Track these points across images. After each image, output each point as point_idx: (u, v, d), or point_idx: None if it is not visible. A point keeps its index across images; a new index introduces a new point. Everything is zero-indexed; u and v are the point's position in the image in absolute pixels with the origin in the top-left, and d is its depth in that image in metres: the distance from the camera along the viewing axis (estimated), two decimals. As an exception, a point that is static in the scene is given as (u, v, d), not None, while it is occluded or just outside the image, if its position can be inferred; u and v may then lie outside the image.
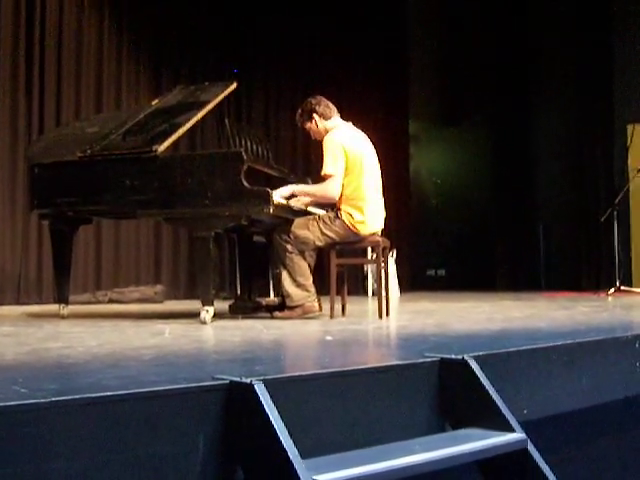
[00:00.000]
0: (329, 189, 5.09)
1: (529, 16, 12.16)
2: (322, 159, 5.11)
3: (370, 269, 10.00)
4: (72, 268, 5.58)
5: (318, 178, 5.22)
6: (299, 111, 5.38)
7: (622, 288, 8.92)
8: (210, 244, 4.69)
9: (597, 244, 11.12)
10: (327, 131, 5.22)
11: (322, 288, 5.33)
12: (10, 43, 7.81)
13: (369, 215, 5.12)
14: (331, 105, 5.31)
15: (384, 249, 5.26)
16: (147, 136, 5.08)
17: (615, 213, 9.19)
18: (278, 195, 4.95)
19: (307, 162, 10.69)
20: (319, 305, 5.12)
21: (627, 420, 3.34)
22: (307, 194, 5.26)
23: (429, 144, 13.59)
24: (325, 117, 5.26)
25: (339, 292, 5.39)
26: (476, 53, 12.61)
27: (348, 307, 5.49)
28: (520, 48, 12.21)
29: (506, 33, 12.33)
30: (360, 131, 5.38)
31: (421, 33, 13.19)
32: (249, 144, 5.44)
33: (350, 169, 5.09)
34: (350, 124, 5.35)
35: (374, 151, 5.36)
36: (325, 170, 5.07)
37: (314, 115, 5.26)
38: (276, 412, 1.85)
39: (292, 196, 5.19)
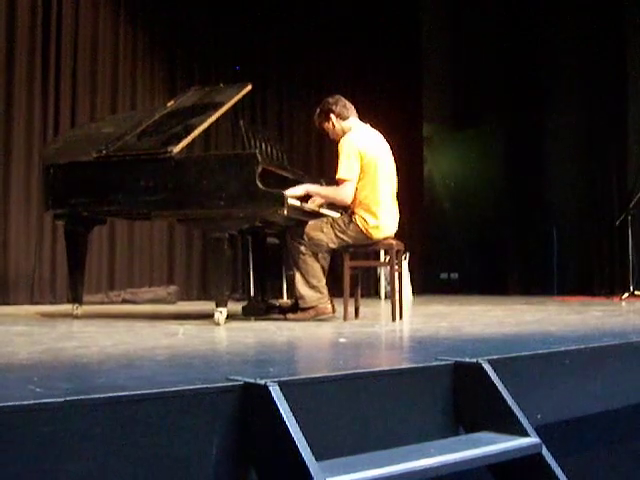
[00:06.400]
0: (342, 193, 5.04)
1: (542, 18, 12.11)
2: (337, 162, 5.07)
3: (383, 272, 10.00)
4: (86, 268, 5.60)
5: (333, 181, 5.19)
6: (317, 111, 5.32)
7: (636, 293, 8.88)
8: (224, 245, 4.69)
9: (611, 248, 11.07)
10: (344, 132, 5.16)
11: (335, 290, 5.33)
12: (26, 44, 7.86)
13: (383, 220, 5.09)
14: (349, 105, 5.23)
15: (398, 252, 5.24)
16: (162, 137, 5.09)
17: (629, 217, 9.15)
18: (291, 193, 4.95)
19: (321, 164, 10.71)
20: (332, 307, 5.12)
21: (641, 425, 3.32)
22: (320, 195, 5.24)
23: (442, 147, 13.57)
24: (342, 117, 5.20)
25: (352, 294, 5.38)
26: (489, 56, 12.59)
27: (361, 309, 5.50)
28: (533, 50, 12.16)
29: (519, 36, 12.30)
30: (378, 133, 5.32)
31: (434, 36, 13.20)
32: (264, 146, 5.44)
33: (365, 172, 5.04)
34: (368, 126, 5.29)
35: (390, 154, 5.31)
36: (340, 174, 5.02)
37: (331, 115, 5.20)
38: (291, 414, 1.84)
39: (306, 195, 5.17)
